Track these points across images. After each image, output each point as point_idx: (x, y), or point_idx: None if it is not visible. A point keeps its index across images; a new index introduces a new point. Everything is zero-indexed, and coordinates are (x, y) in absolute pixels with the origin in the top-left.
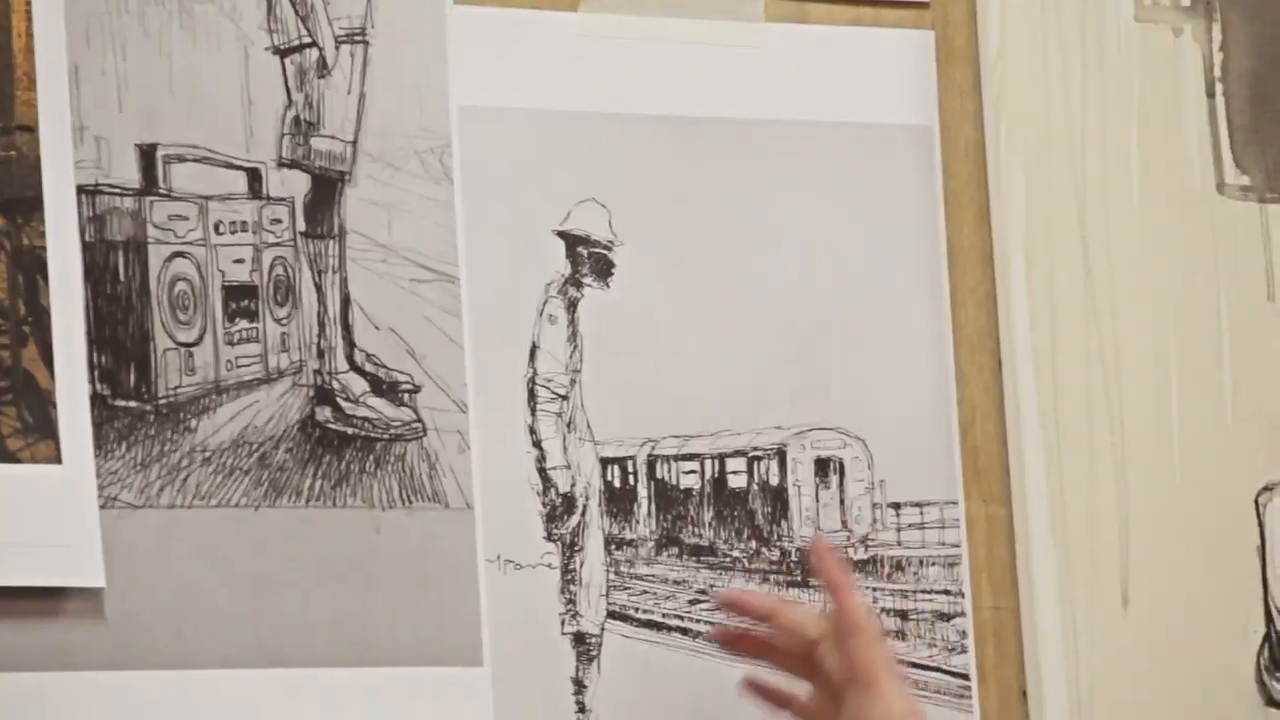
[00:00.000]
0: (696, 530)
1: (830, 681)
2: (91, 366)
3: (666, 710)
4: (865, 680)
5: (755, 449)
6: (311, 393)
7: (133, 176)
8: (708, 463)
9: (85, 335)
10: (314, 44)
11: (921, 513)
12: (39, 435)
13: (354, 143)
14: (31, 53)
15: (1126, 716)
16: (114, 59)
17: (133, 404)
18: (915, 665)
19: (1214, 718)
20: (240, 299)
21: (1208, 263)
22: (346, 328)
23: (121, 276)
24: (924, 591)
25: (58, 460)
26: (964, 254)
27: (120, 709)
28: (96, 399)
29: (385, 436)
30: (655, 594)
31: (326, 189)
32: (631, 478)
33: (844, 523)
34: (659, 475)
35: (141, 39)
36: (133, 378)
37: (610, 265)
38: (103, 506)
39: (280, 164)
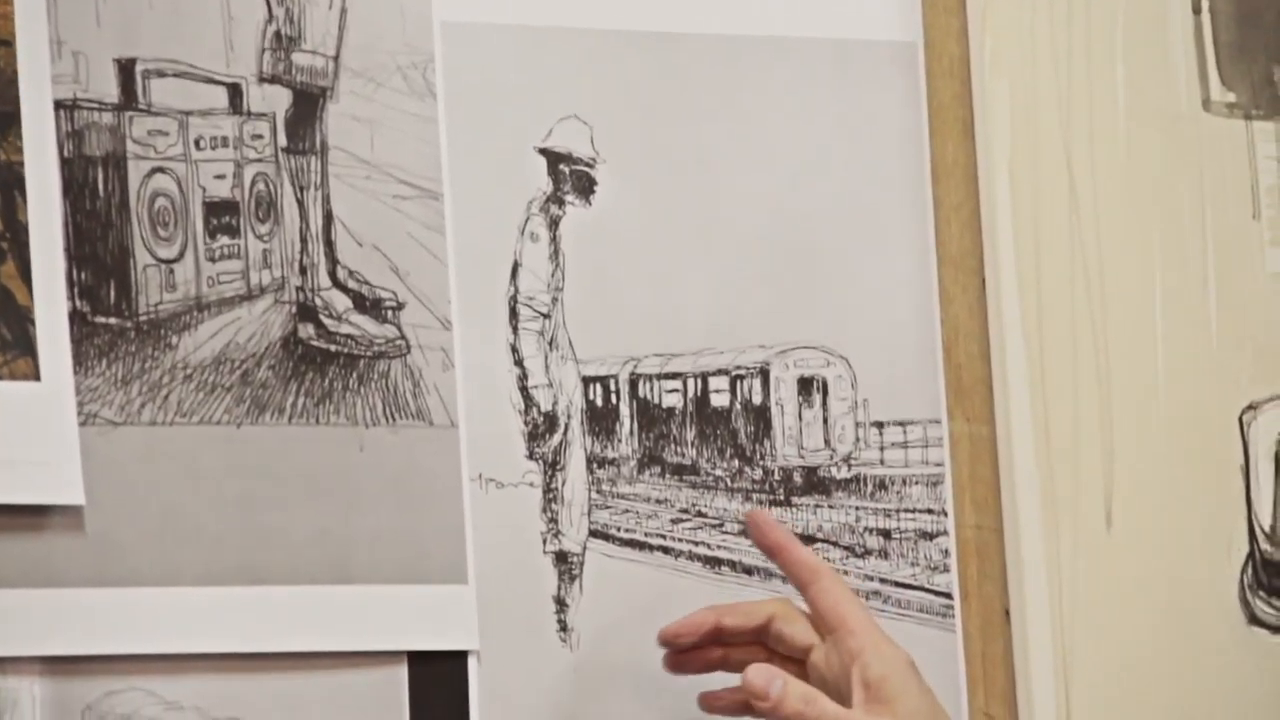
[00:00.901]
0: (679, 449)
1: (797, 647)
2: (70, 283)
3: (648, 629)
4: (834, 621)
5: (738, 368)
6: (294, 310)
7: (111, 91)
8: (690, 381)
9: (64, 252)
10: None
11: (905, 432)
12: (17, 352)
13: (336, 58)
14: None
15: (1109, 635)
16: None
17: (113, 321)
18: (898, 584)
19: (1197, 636)
20: (221, 215)
21: (1193, 180)
22: (329, 244)
23: (101, 192)
24: (907, 510)
25: (36, 377)
26: (948, 172)
27: (101, 625)
28: (76, 316)
29: (369, 354)
30: (637, 513)
31: (308, 105)
32: (614, 396)
33: (827, 441)
34: (641, 394)
35: None
36: (113, 294)
37: (592, 183)
38: (82, 423)
39: (261, 79)
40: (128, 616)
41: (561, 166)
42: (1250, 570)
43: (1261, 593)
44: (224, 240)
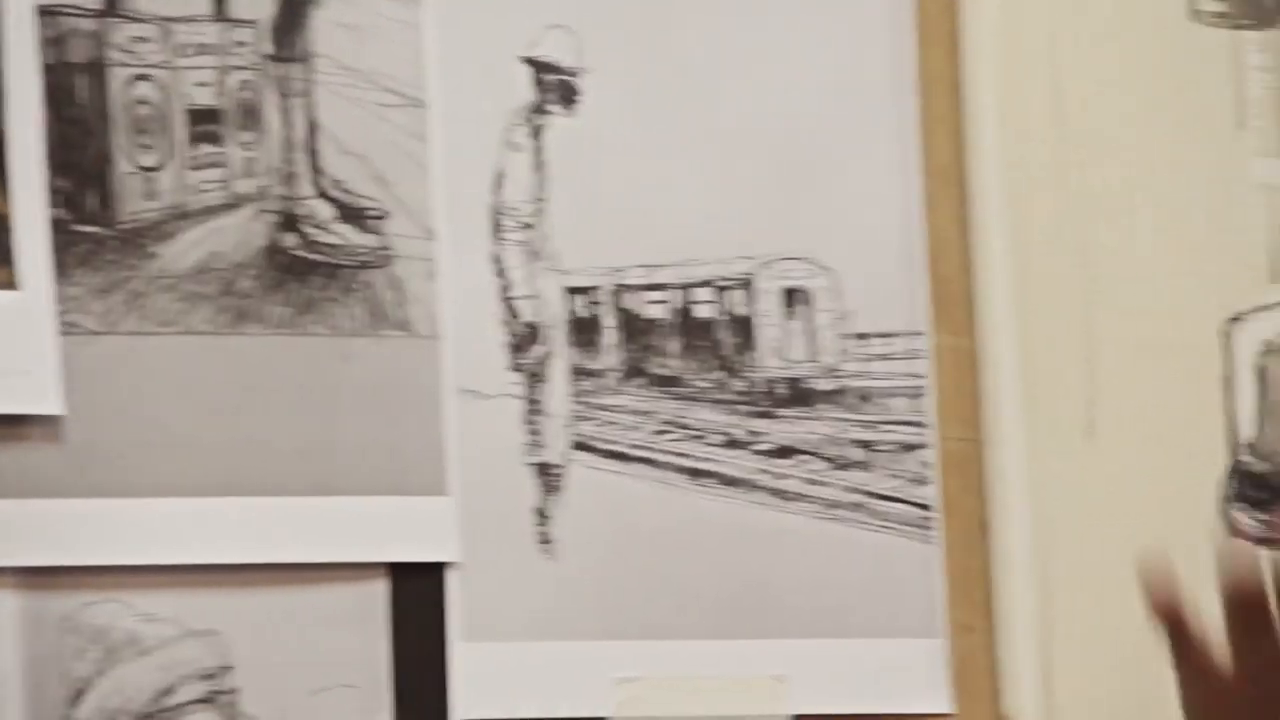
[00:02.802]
0: (663, 360)
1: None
2: (50, 191)
3: (631, 540)
4: None
5: (722, 279)
6: (277, 219)
7: None
8: (674, 292)
9: (44, 159)
10: None
11: (888, 343)
12: None
13: None
14: None
15: (1089, 548)
16: None
17: (93, 229)
18: (878, 496)
19: (1176, 549)
20: (204, 123)
21: (1179, 90)
22: (313, 153)
23: (81, 100)
24: (889, 422)
25: (15, 286)
26: (934, 83)
27: (81, 536)
28: (56, 223)
29: (352, 263)
30: (621, 424)
31: (293, 10)
32: (597, 307)
33: (811, 353)
34: (625, 305)
35: None
36: (93, 202)
37: (576, 92)
38: (62, 332)
39: None
40: (106, 527)
41: (546, 76)
42: (1231, 482)
43: (1242, 505)
44: (206, 148)
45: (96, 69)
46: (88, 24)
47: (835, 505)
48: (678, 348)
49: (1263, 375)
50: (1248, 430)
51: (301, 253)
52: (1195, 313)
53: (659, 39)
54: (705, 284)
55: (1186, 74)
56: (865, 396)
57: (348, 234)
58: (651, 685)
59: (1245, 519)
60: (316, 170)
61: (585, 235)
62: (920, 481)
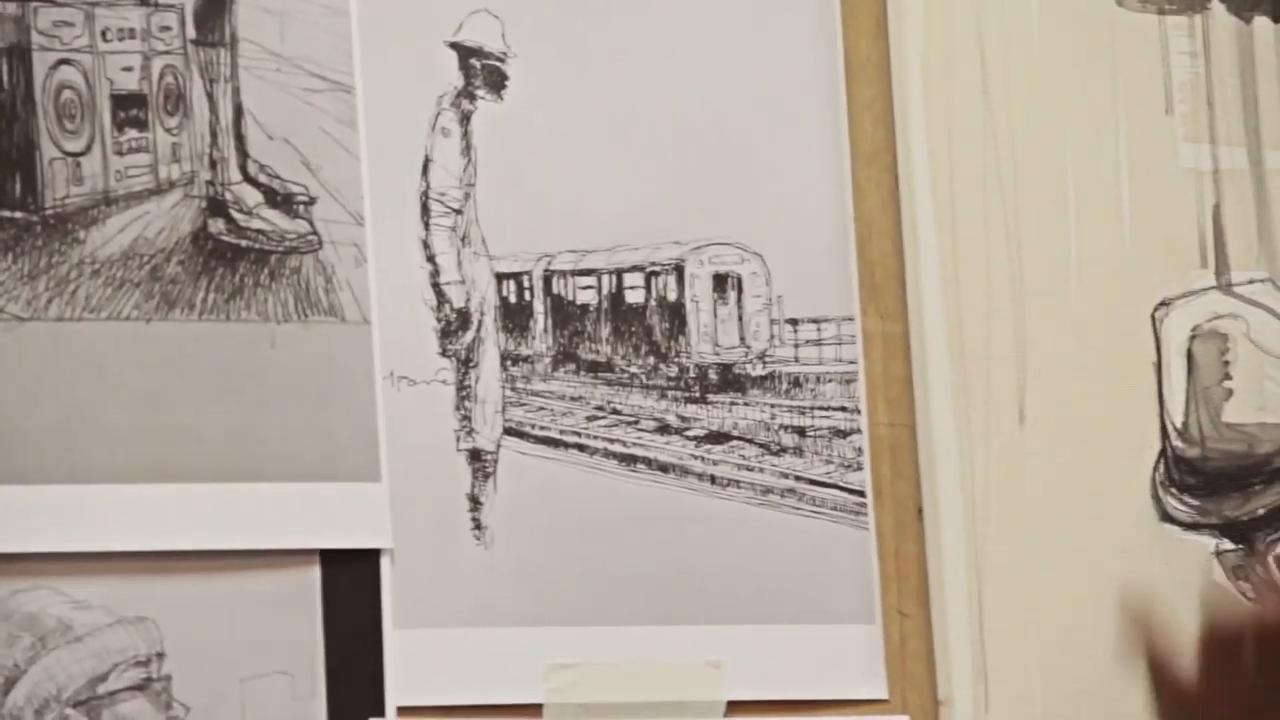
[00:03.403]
0: (594, 346)
1: None
2: None
3: (564, 526)
4: None
5: (653, 264)
6: (204, 204)
7: None
8: (605, 278)
9: None
10: None
11: (819, 329)
12: None
13: None
14: None
15: (1022, 533)
16: None
17: (18, 214)
18: (812, 482)
19: (1110, 534)
20: (129, 108)
21: (1106, 75)
22: (239, 138)
23: (5, 84)
24: (821, 408)
25: None
26: (861, 67)
27: (11, 523)
28: None
29: (280, 249)
30: (552, 410)
31: None
32: (527, 293)
33: (742, 339)
34: (555, 290)
35: None
36: (18, 188)
37: (503, 78)
38: None
39: None
40: (35, 514)
41: (472, 61)
42: (1162, 467)
43: (1173, 489)
44: (132, 133)
45: (20, 53)
46: (11, 8)
47: (768, 491)
48: (609, 333)
49: (1192, 360)
50: (1178, 415)
51: (229, 238)
52: (1125, 298)
53: (587, 24)
54: (636, 269)
55: (1114, 59)
56: (797, 382)
57: (275, 219)
58: (585, 671)
59: (1176, 504)
60: (244, 155)
61: (515, 221)
62: (853, 467)
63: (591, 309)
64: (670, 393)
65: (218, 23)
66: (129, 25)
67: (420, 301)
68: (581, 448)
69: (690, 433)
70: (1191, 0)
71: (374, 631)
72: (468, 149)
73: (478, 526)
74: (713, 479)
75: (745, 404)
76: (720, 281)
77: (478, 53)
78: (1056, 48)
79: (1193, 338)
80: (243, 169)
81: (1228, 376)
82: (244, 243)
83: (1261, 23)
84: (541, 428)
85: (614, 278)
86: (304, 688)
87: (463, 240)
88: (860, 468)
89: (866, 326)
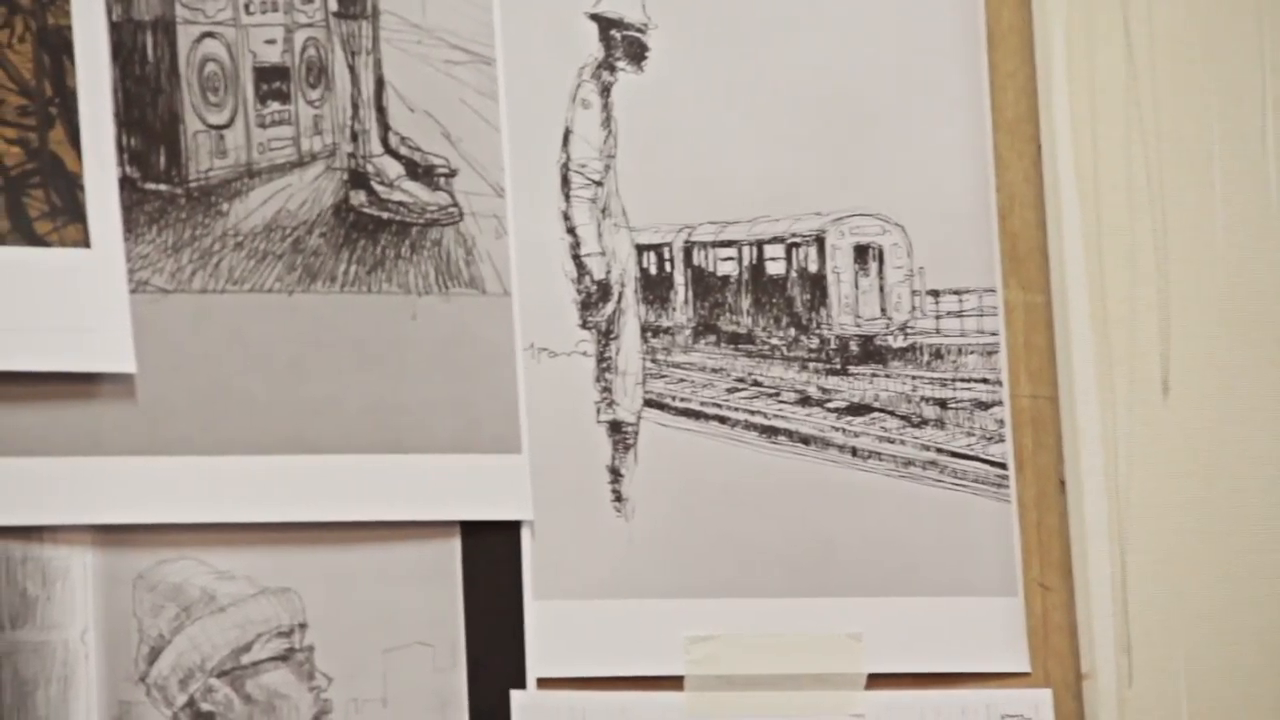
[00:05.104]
0: (734, 318)
1: None
2: (120, 149)
3: (703, 498)
4: None
5: (794, 235)
6: (345, 176)
7: None
8: (745, 249)
9: (113, 117)
10: None
11: (960, 300)
12: (67, 218)
13: None
14: None
15: (1164, 504)
16: None
17: (163, 187)
18: (954, 454)
19: (1252, 506)
20: (272, 80)
21: (1252, 40)
22: (381, 110)
23: (150, 57)
24: (962, 380)
25: (86, 244)
26: (1003, 37)
27: (152, 494)
28: (126, 182)
29: (421, 221)
30: (692, 382)
31: None
32: (668, 264)
33: (883, 310)
34: (696, 262)
35: None
36: (163, 160)
37: (644, 49)
38: (133, 291)
39: None
40: (179, 485)
41: (613, 32)
42: None
43: None
44: (274, 106)
45: (165, 27)
46: None
47: (909, 463)
48: (749, 305)
49: None
50: None
51: (370, 210)
52: (1271, 267)
53: None
54: (777, 240)
55: (1261, 26)
56: (938, 353)
57: (416, 191)
58: (725, 643)
59: None
60: (385, 127)
61: (655, 192)
62: (994, 439)
63: (732, 280)
64: (811, 364)
65: None
66: None
67: (560, 273)
68: (722, 419)
69: (831, 404)
70: None
71: (514, 603)
72: (608, 120)
73: (618, 498)
74: (854, 451)
75: (886, 376)
76: (861, 252)
77: (618, 24)
78: (1201, 14)
79: None
80: (384, 141)
81: None
82: (385, 215)
83: None
84: (682, 399)
85: (755, 249)
86: (445, 659)
87: (603, 212)
88: (1002, 440)
89: (1008, 297)
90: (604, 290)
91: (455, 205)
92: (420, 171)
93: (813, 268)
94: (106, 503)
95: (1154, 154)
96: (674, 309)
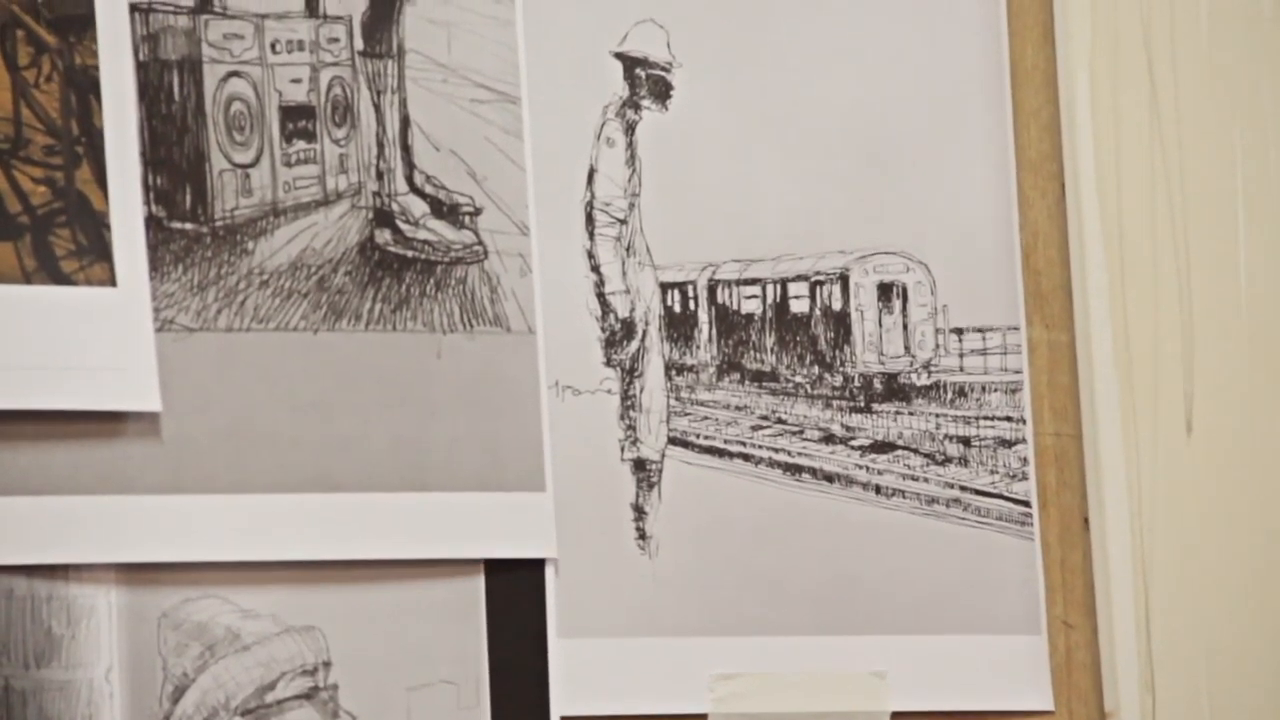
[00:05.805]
0: (758, 355)
1: None
2: (146, 188)
3: (727, 536)
4: None
5: (817, 273)
6: (371, 215)
7: None
8: (769, 287)
9: (140, 156)
10: None
11: (984, 338)
12: (93, 257)
13: None
14: None
15: (1188, 543)
16: None
17: (188, 226)
18: (977, 492)
19: (1276, 544)
20: (297, 119)
21: (1276, 80)
22: (406, 149)
23: (176, 96)
24: (986, 418)
25: (112, 283)
26: (1027, 75)
27: (176, 532)
28: (151, 221)
29: (446, 259)
30: (717, 420)
31: (385, 7)
32: (692, 302)
33: (907, 348)
34: (720, 300)
35: None
36: (188, 199)
37: (668, 87)
38: (159, 329)
39: None
40: (204, 524)
41: (637, 71)
42: None
43: None
44: (300, 145)
45: (191, 66)
46: (182, 21)
47: (933, 501)
48: (773, 343)
49: None
50: None
51: (395, 249)
52: None
53: (751, 33)
54: (800, 278)
55: None
56: (962, 391)
57: (441, 230)
58: (750, 681)
59: None
60: (410, 166)
61: (679, 230)
62: (1018, 477)
63: (756, 318)
64: (835, 402)
65: (385, 34)
66: (298, 37)
67: (585, 311)
68: (746, 457)
69: (855, 442)
70: None
71: (538, 641)
72: (632, 158)
73: (642, 536)
74: (877, 489)
75: (910, 413)
76: (885, 290)
77: (643, 62)
78: (1225, 54)
79: None
80: (409, 180)
81: None
82: (410, 253)
83: None
84: (706, 437)
85: (778, 287)
86: (469, 697)
87: (627, 250)
88: (1025, 478)
89: (1032, 336)
90: (628, 328)
91: (480, 243)
92: (445, 210)
93: (836, 306)
94: (131, 541)
95: (1178, 192)
96: (698, 347)
